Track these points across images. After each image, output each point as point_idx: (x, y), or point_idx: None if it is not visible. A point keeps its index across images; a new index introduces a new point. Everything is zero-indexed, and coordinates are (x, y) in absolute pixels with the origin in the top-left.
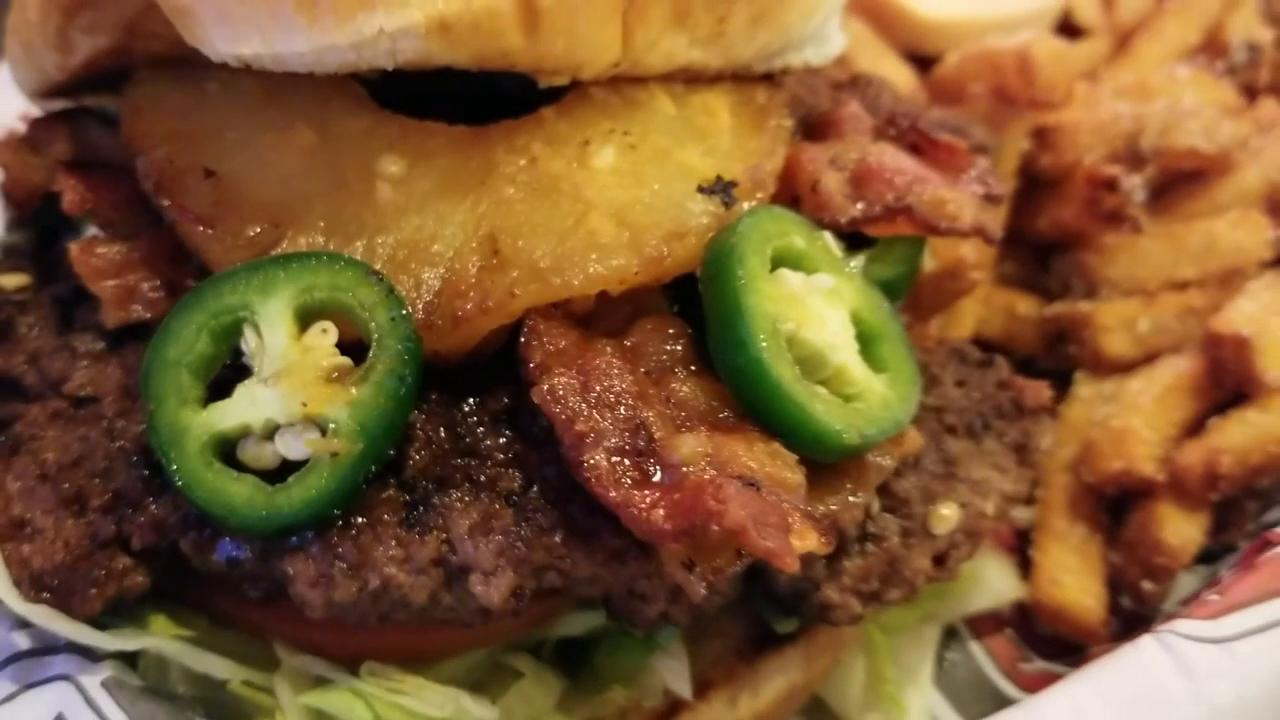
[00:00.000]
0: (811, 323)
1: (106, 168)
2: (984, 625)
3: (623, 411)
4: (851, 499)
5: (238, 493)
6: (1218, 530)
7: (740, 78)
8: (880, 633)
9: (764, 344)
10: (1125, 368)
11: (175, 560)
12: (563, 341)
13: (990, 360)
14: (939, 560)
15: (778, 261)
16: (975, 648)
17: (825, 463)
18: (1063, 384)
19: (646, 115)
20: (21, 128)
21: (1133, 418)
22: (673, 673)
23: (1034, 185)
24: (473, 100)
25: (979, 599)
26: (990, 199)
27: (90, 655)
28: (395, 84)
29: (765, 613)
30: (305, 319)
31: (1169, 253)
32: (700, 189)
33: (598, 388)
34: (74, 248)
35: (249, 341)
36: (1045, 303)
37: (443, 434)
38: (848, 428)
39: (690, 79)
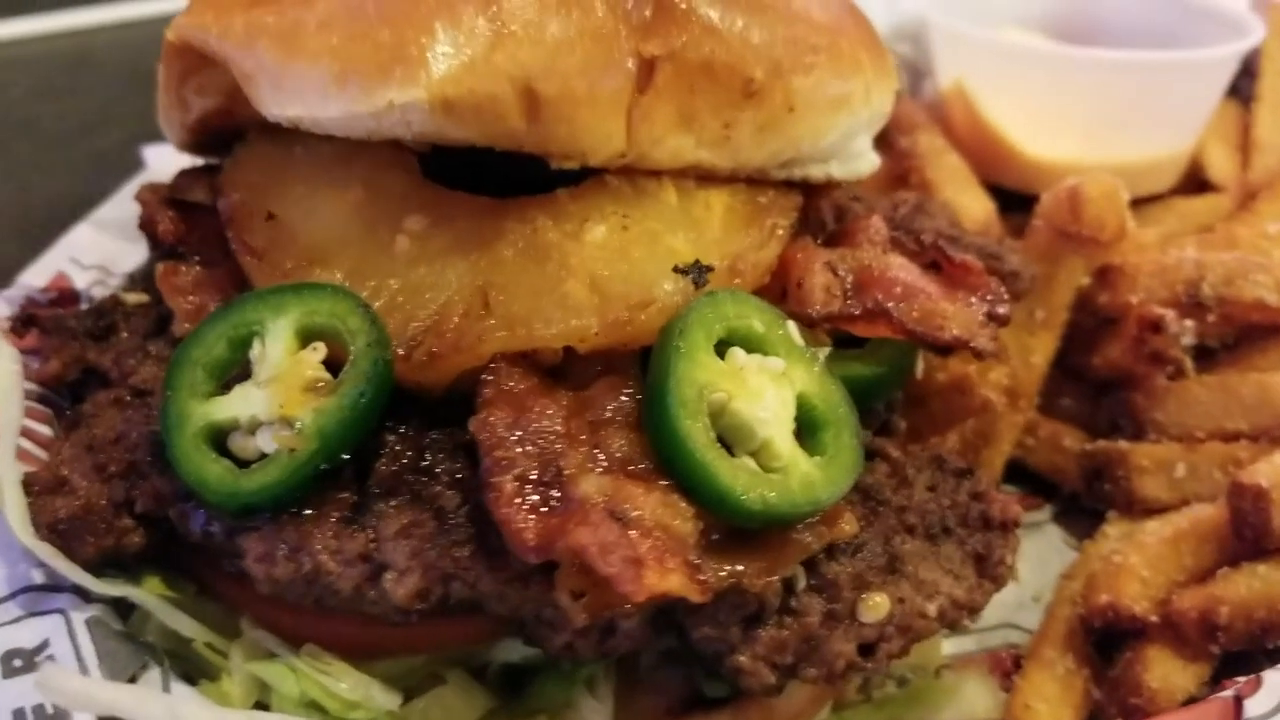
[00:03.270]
0: (746, 397)
1: (202, 207)
2: None
3: (542, 447)
4: (763, 566)
5: (213, 472)
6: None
7: (756, 181)
8: None
9: (679, 403)
10: (1158, 512)
11: (173, 531)
12: (520, 384)
13: (969, 471)
14: (866, 649)
15: (733, 340)
16: None
17: (748, 529)
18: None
19: (651, 204)
20: None
21: (1133, 555)
22: (595, 714)
23: (1095, 323)
24: (512, 181)
25: (950, 712)
26: (993, 318)
27: (86, 597)
28: (446, 160)
29: (697, 674)
30: (306, 337)
31: (1219, 402)
32: (675, 269)
33: (526, 424)
34: (159, 267)
35: (255, 350)
36: (1092, 440)
37: (409, 454)
38: (749, 491)
39: (703, 176)
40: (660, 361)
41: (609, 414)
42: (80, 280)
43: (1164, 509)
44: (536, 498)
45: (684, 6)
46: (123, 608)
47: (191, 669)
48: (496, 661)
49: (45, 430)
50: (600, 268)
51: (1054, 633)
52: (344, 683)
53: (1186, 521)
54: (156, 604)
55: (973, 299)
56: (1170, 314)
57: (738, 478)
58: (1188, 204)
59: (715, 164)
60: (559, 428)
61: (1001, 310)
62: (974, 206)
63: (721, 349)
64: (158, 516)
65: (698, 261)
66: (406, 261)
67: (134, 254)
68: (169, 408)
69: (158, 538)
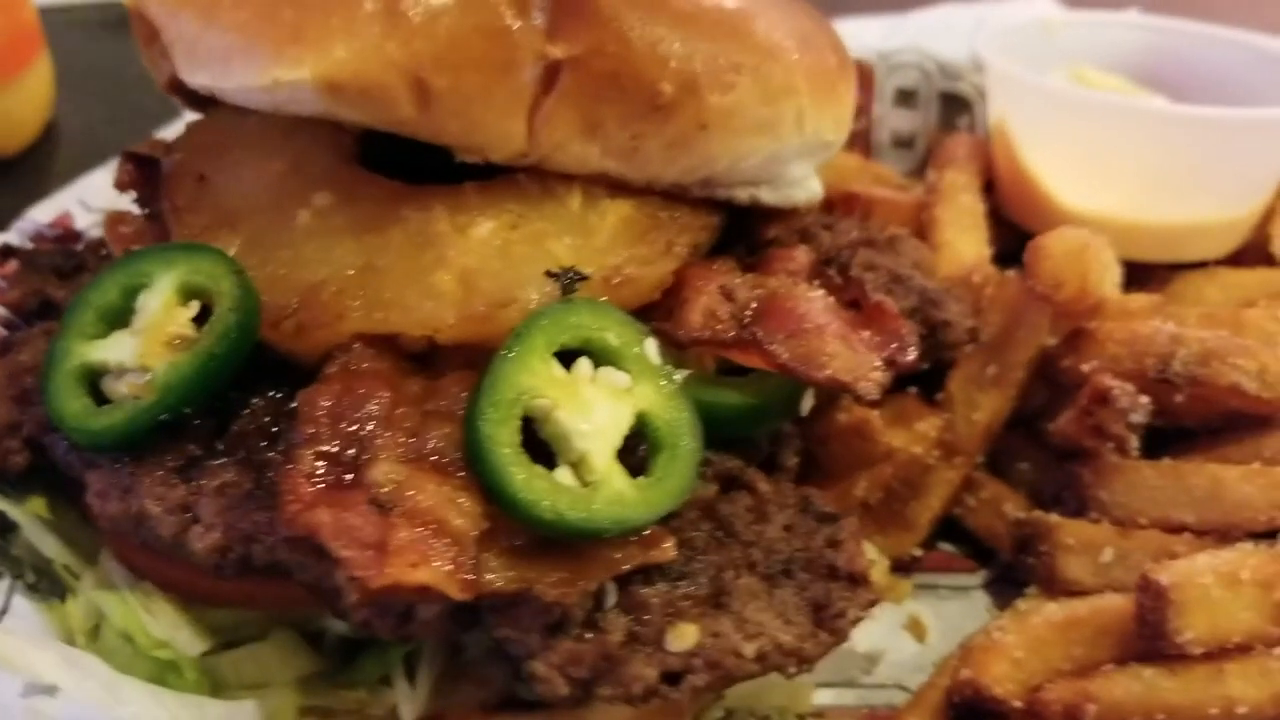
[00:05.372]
0: (572, 407)
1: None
2: None
3: (356, 428)
4: (563, 577)
5: (71, 407)
6: None
7: (672, 197)
8: None
9: (490, 403)
10: (1079, 594)
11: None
12: (367, 365)
13: (834, 517)
14: (670, 678)
15: (587, 350)
16: None
17: (555, 538)
18: None
19: (552, 207)
20: None
21: (1012, 634)
22: (405, 696)
23: (1068, 387)
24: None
25: None
26: (892, 364)
27: None
28: (385, 146)
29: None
30: (188, 295)
31: (1168, 489)
32: (547, 272)
33: (346, 403)
34: (107, 216)
35: (141, 300)
36: (1034, 509)
37: (265, 418)
38: (540, 501)
39: (616, 186)
40: (490, 361)
41: (444, 406)
42: (82, 221)
43: (1086, 593)
44: (328, 474)
45: (596, 13)
46: (7, 522)
47: (45, 585)
48: (332, 630)
49: None
50: (475, 262)
51: (924, 701)
52: (159, 619)
53: (1087, 609)
54: (26, 521)
55: (877, 340)
56: (1123, 387)
57: (532, 485)
58: (1235, 276)
59: (624, 174)
60: (382, 412)
61: (905, 357)
62: (967, 250)
63: (572, 358)
64: (41, 442)
65: (572, 268)
66: (302, 235)
67: None
68: (55, 343)
69: (45, 462)
